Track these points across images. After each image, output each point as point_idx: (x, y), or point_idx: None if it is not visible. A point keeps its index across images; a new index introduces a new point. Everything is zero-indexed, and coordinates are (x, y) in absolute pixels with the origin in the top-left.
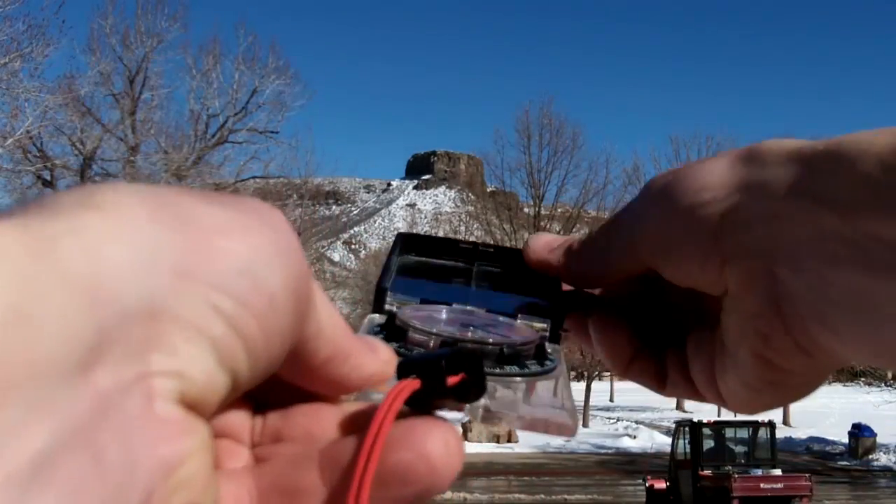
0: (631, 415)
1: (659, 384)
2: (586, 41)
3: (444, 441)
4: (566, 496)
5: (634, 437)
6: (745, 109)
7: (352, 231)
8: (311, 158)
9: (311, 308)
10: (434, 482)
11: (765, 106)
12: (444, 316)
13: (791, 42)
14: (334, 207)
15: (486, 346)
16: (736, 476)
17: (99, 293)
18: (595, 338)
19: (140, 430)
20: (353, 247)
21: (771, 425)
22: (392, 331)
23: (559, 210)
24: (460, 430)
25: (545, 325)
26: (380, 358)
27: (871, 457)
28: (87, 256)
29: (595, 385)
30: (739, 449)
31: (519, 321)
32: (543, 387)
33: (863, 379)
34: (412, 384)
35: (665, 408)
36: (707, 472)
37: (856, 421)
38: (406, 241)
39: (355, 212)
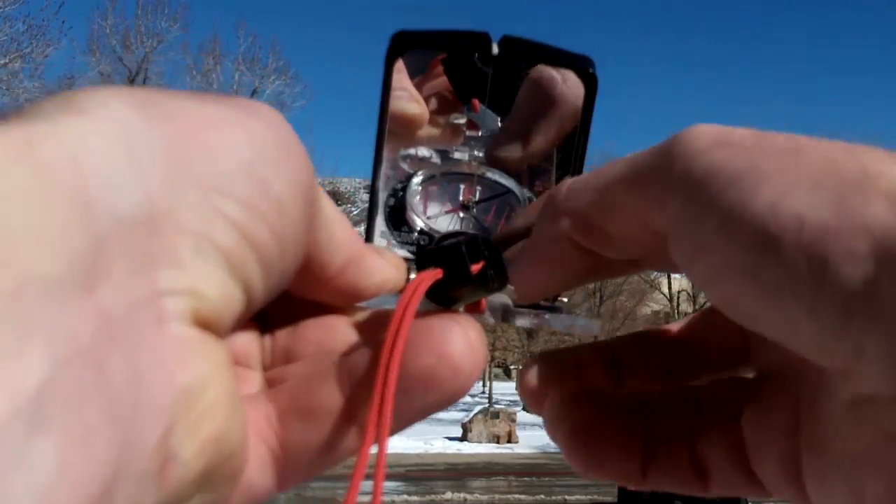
0: None
1: (700, 482)
2: (585, 42)
3: (466, 339)
4: (566, 497)
5: None
6: (747, 111)
7: None
8: (312, 158)
9: (320, 213)
10: (459, 385)
11: (768, 108)
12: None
13: (798, 41)
14: None
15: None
16: None
17: (88, 199)
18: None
19: (154, 355)
20: None
21: None
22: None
23: None
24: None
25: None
26: (391, 262)
27: None
28: (71, 160)
29: None
30: None
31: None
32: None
33: None
34: (433, 274)
35: None
36: None
37: None
38: None
39: (355, 212)
